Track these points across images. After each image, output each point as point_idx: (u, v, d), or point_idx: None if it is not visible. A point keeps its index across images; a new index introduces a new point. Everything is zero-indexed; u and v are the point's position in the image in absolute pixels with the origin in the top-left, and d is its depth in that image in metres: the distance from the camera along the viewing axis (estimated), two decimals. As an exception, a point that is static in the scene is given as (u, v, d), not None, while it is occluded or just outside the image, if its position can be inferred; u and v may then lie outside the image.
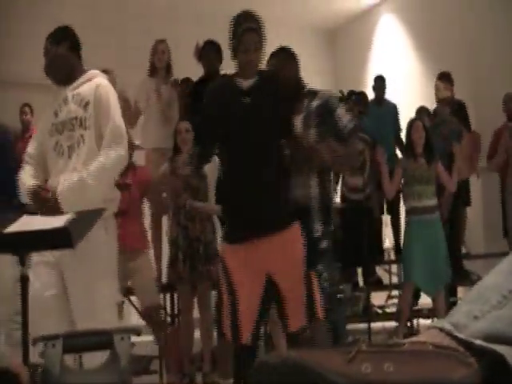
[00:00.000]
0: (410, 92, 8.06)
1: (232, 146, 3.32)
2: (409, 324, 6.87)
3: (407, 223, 5.86)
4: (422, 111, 6.97)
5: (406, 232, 5.90)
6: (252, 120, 3.26)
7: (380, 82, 7.77)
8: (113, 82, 5.63)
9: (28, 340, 2.43)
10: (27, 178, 3.38)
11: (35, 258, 3.25)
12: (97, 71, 3.60)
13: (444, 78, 7.16)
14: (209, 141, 3.42)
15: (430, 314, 6.60)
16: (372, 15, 10.33)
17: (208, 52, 5.88)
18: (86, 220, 2.90)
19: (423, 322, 6.89)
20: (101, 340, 2.10)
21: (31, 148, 3.51)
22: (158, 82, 5.78)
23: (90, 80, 3.48)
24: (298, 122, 3.61)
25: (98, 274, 3.27)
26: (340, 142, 3.56)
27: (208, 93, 3.46)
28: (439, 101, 6.99)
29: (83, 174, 3.23)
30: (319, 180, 3.64)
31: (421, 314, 6.82)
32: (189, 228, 4.70)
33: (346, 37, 10.88)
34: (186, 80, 6.21)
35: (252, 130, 3.25)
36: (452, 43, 8.37)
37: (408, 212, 5.84)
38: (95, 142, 3.33)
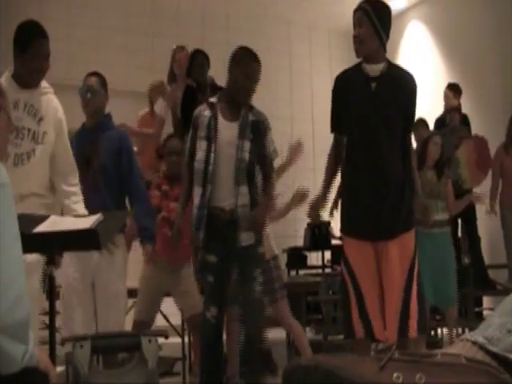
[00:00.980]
0: (436, 99, 7.99)
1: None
2: (433, 333, 6.82)
3: (417, 234, 5.76)
4: (421, 122, 6.87)
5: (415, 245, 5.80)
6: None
7: None
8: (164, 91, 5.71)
9: (55, 340, 2.46)
10: None
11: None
12: (47, 85, 3.48)
13: (453, 87, 7.17)
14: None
15: (439, 324, 6.55)
16: (399, 21, 10.26)
17: (196, 60, 5.84)
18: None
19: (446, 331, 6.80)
20: (129, 342, 2.11)
21: None
22: (176, 88, 5.78)
23: (44, 94, 3.40)
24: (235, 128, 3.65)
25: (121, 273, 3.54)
26: (262, 166, 3.74)
27: None
28: (450, 109, 6.98)
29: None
30: None
31: (444, 323, 6.73)
32: None
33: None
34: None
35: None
36: (479, 51, 8.31)
37: (418, 223, 5.74)
38: (48, 158, 3.34)
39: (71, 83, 5.95)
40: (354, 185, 3.37)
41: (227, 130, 3.69)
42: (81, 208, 3.37)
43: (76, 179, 3.47)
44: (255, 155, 3.74)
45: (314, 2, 8.90)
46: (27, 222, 2.37)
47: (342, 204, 3.53)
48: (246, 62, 3.77)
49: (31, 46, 3.28)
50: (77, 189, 3.46)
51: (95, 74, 4.25)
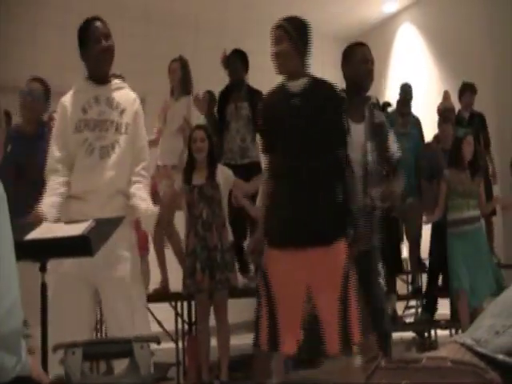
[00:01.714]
0: (429, 101, 8.01)
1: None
2: (426, 335, 6.84)
3: (448, 236, 5.82)
4: (447, 118, 6.87)
5: (448, 245, 5.84)
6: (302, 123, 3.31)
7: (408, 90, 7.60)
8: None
9: (47, 348, 2.44)
10: (48, 194, 3.31)
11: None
12: (119, 80, 3.65)
13: (464, 87, 7.17)
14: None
15: (447, 324, 6.55)
16: (391, 24, 10.32)
17: (234, 60, 5.95)
18: (105, 228, 2.92)
19: (440, 333, 6.82)
20: (120, 348, 2.10)
21: (57, 150, 3.38)
22: (171, 100, 5.81)
23: (121, 88, 3.53)
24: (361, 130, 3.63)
25: (132, 276, 3.35)
26: (388, 168, 3.70)
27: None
28: (445, 111, 6.98)
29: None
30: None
31: (438, 325, 6.76)
32: (207, 238, 4.70)
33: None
34: (208, 93, 6.27)
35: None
36: (472, 52, 8.34)
37: (449, 224, 5.79)
38: (130, 149, 3.40)
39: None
40: (278, 196, 3.34)
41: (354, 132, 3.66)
42: (142, 193, 3.39)
43: (141, 169, 3.47)
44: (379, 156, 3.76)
45: (306, 6, 8.93)
46: (19, 228, 2.36)
47: (266, 217, 3.47)
48: (352, 51, 3.85)
49: (88, 34, 3.39)
50: (140, 178, 3.46)
51: (39, 80, 4.22)
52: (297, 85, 3.38)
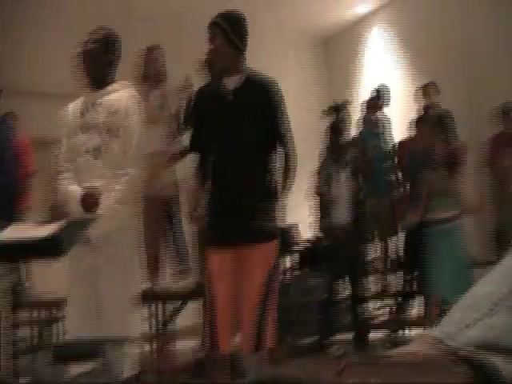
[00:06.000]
0: (400, 103, 8.06)
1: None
2: (401, 333, 6.87)
3: (425, 235, 5.84)
4: (421, 119, 6.91)
5: (425, 244, 5.88)
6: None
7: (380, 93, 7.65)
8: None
9: (17, 350, 2.41)
10: (72, 184, 3.46)
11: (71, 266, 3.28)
12: (126, 83, 3.74)
13: (430, 84, 7.20)
14: None
15: (421, 322, 6.58)
16: (363, 26, 10.36)
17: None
18: (75, 228, 2.89)
19: (414, 331, 6.84)
20: (92, 349, 2.08)
21: (65, 149, 3.59)
22: (149, 88, 5.74)
23: (119, 90, 3.62)
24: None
25: (127, 276, 3.41)
26: None
27: None
28: (429, 106, 7.01)
29: (113, 204, 3.37)
30: None
31: (412, 322, 6.79)
32: None
33: (340, 46, 10.89)
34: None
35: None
36: (444, 55, 8.39)
37: (426, 224, 5.81)
38: (121, 150, 3.47)
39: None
40: (216, 195, 3.32)
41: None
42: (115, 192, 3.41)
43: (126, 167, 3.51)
44: None
45: (280, 7, 8.95)
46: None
47: (207, 216, 3.46)
48: None
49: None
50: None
51: None
52: (233, 80, 3.32)
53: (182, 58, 6.06)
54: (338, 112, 7.24)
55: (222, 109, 3.30)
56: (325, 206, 5.85)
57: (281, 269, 3.29)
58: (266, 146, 3.31)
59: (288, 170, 3.31)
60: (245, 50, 3.37)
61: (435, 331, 0.93)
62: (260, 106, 3.27)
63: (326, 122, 6.63)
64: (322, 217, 5.96)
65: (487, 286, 0.96)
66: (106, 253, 3.32)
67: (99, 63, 3.58)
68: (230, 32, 3.29)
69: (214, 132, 3.31)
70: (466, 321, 0.90)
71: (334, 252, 5.81)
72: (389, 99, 7.58)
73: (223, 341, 3.13)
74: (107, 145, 3.45)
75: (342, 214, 5.76)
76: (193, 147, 3.53)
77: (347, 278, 6.03)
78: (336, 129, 6.17)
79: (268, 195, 3.27)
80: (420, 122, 6.77)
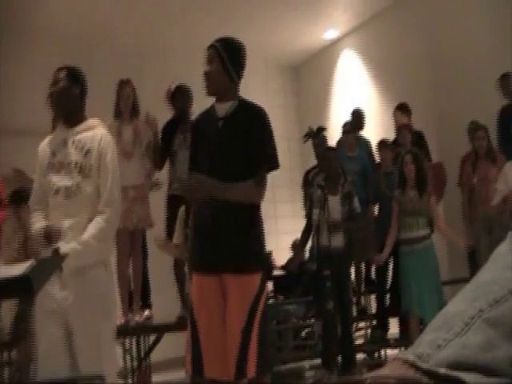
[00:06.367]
0: (370, 126, 8.13)
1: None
2: (376, 355, 6.86)
3: (399, 254, 5.91)
4: (383, 143, 7.02)
5: (399, 263, 5.95)
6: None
7: (355, 116, 7.70)
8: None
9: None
10: (39, 220, 3.45)
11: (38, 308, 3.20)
12: (97, 121, 3.69)
13: (401, 108, 7.28)
14: None
15: (397, 343, 6.59)
16: (332, 50, 10.49)
17: (179, 96, 5.96)
18: (45, 267, 2.85)
19: (390, 352, 6.85)
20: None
21: (36, 188, 3.58)
22: (122, 123, 5.74)
23: (91, 128, 3.59)
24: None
25: (102, 313, 3.34)
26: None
27: None
28: (399, 127, 7.08)
29: (88, 239, 3.33)
30: None
31: (388, 344, 6.79)
32: None
33: (309, 72, 11.03)
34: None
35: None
36: (412, 78, 8.51)
37: (400, 243, 5.88)
38: (94, 190, 3.45)
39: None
40: (200, 220, 3.31)
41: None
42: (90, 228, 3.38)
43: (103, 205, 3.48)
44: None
45: (250, 33, 9.02)
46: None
47: (190, 241, 3.46)
48: None
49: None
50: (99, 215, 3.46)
51: None
52: (224, 108, 3.34)
53: (143, 93, 6.08)
54: (314, 138, 7.33)
55: (211, 135, 3.31)
56: (315, 230, 5.86)
57: (265, 296, 3.23)
58: (252, 172, 3.28)
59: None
60: (239, 79, 3.39)
61: (407, 353, 0.91)
62: (247, 132, 3.27)
63: (297, 148, 6.69)
64: (311, 241, 5.96)
65: (458, 305, 0.96)
66: (78, 289, 3.27)
67: (67, 101, 3.56)
68: (226, 59, 3.31)
69: (205, 159, 3.30)
70: (438, 341, 0.89)
71: (321, 276, 5.80)
72: (363, 123, 7.66)
73: (208, 368, 3.11)
74: (79, 184, 3.43)
75: (334, 238, 5.78)
76: (190, 170, 3.50)
77: (334, 302, 6.00)
78: (327, 155, 6.20)
79: (253, 224, 3.27)
80: (382, 145, 6.88)
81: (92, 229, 3.36)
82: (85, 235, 3.33)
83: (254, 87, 10.01)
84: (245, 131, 3.26)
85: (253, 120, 3.31)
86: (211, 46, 3.36)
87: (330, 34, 10.15)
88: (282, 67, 11.01)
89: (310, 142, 7.47)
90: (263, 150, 3.30)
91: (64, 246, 3.28)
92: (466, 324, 0.90)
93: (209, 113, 3.42)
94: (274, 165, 3.32)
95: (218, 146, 3.27)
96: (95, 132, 3.58)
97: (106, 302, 3.40)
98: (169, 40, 9.27)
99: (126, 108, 5.68)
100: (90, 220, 3.39)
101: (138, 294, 5.51)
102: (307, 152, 7.94)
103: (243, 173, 3.24)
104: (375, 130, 7.58)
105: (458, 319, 0.91)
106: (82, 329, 3.23)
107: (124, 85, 5.75)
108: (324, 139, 7.30)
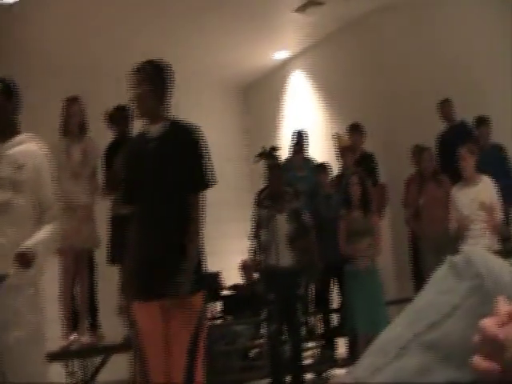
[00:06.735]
0: (317, 146, 8.21)
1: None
2: (325, 375, 6.88)
3: (345, 274, 6.00)
4: (322, 166, 7.12)
5: (345, 283, 6.04)
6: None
7: (301, 137, 7.80)
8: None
9: None
10: None
11: None
12: (29, 136, 3.56)
13: (354, 128, 7.38)
14: None
15: (345, 363, 6.62)
16: (283, 70, 10.56)
17: (118, 117, 5.89)
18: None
19: (339, 371, 6.86)
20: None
21: None
22: (70, 141, 5.65)
23: (22, 143, 3.47)
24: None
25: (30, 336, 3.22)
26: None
27: None
28: (340, 150, 7.20)
29: (36, 244, 3.22)
30: None
31: (336, 364, 6.82)
32: None
33: (258, 93, 11.07)
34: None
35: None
36: (361, 99, 8.62)
37: (343, 262, 5.99)
38: (31, 206, 3.35)
39: None
40: (134, 248, 3.30)
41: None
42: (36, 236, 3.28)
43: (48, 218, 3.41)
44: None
45: (199, 53, 9.01)
46: None
47: (126, 269, 3.44)
48: None
49: None
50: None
51: None
52: (156, 128, 3.34)
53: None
54: (267, 158, 7.39)
55: (145, 157, 3.30)
56: (263, 249, 5.86)
57: (208, 317, 3.22)
58: (184, 194, 3.28)
59: (192, 221, 3.28)
60: (168, 99, 3.40)
61: (347, 377, 0.93)
62: (179, 153, 3.26)
63: (246, 169, 6.70)
64: (260, 260, 5.96)
65: (396, 329, 0.97)
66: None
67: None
68: (154, 79, 3.33)
69: (137, 182, 3.29)
70: (376, 365, 0.91)
71: (270, 296, 5.79)
72: (307, 144, 7.74)
73: None
74: (12, 200, 3.32)
75: (283, 257, 5.78)
76: (125, 200, 3.50)
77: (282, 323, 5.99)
78: (271, 173, 6.22)
79: (188, 245, 3.22)
80: (321, 167, 6.98)
81: (42, 234, 3.28)
82: (32, 240, 3.23)
83: (202, 107, 10.00)
84: (175, 153, 3.26)
85: (183, 141, 3.31)
86: (137, 70, 3.37)
87: (281, 54, 10.23)
88: (231, 87, 11.01)
89: (260, 163, 7.49)
90: (193, 172, 3.29)
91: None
92: (403, 348, 0.91)
93: (141, 135, 3.42)
94: (205, 185, 3.32)
95: (149, 169, 3.27)
96: (29, 146, 3.48)
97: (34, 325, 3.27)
98: (123, 60, 9.14)
99: (73, 126, 5.59)
100: (24, 236, 3.26)
101: (84, 314, 5.41)
102: (256, 173, 7.96)
103: (174, 196, 3.23)
104: (323, 152, 7.66)
105: (395, 343, 0.93)
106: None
107: (71, 103, 5.66)
108: (277, 159, 7.36)
